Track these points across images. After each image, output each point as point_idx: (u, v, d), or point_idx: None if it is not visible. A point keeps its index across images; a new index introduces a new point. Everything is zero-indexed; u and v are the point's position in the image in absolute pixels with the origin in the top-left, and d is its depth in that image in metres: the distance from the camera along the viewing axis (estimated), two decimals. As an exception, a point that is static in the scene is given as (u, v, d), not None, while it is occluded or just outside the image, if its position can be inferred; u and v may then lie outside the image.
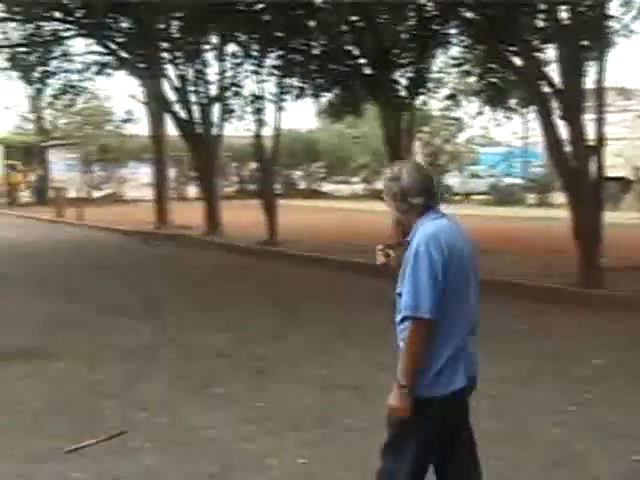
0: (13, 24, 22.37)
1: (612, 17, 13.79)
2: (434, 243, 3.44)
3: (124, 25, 20.61)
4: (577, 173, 11.29)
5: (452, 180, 38.78)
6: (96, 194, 39.67)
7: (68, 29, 22.12)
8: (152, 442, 5.63)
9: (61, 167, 30.02)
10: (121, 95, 51.36)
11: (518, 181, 36.67)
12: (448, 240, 3.49)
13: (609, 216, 13.61)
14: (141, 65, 21.45)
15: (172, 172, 34.64)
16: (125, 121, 37.82)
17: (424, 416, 3.48)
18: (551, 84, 11.90)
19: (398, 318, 3.51)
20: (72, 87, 23.50)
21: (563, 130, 11.53)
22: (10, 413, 6.37)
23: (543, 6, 12.91)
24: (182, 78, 20.81)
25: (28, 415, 6.30)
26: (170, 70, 21.15)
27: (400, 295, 3.51)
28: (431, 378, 3.46)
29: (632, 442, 5.51)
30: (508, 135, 42.33)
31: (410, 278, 3.41)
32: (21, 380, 7.36)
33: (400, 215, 3.62)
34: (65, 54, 23.03)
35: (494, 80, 18.32)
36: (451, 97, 23.25)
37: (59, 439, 5.69)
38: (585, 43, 11.94)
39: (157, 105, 22.95)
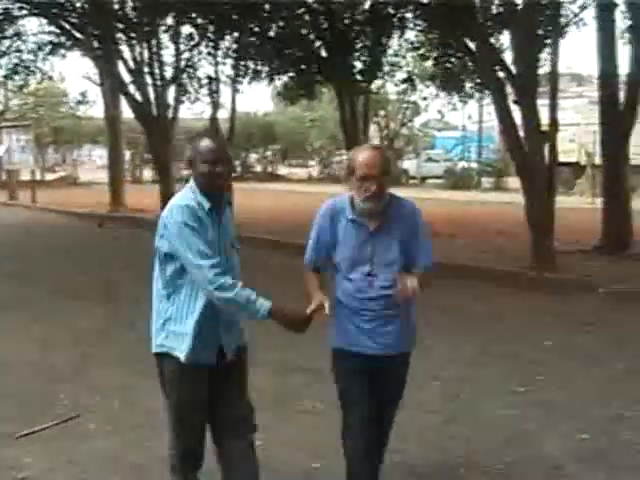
0: (-37, 3, 21.96)
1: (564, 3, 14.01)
2: None
3: (78, 5, 20.31)
4: (530, 158, 11.41)
5: (408, 164, 39.00)
6: (50, 176, 39.22)
7: (21, 8, 21.75)
8: (106, 426, 5.60)
9: (14, 149, 29.53)
10: (76, 76, 50.49)
11: (473, 165, 36.95)
12: None
13: (562, 201, 13.85)
14: (95, 46, 21.18)
15: (127, 154, 34.40)
16: (79, 103, 37.37)
17: None
18: (506, 69, 12.00)
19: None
20: (25, 67, 23.08)
21: (518, 115, 11.64)
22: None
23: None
24: (137, 59, 20.60)
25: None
26: (125, 51, 20.95)
27: (409, 258, 3.98)
28: None
29: (580, 422, 5.62)
30: (464, 119, 42.69)
31: (427, 237, 4.06)
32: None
33: (382, 190, 3.88)
34: (17, 33, 22.61)
35: (449, 65, 18.41)
36: (407, 81, 23.32)
37: (11, 424, 5.63)
38: (539, 29, 12.08)
39: (112, 86, 22.70)
